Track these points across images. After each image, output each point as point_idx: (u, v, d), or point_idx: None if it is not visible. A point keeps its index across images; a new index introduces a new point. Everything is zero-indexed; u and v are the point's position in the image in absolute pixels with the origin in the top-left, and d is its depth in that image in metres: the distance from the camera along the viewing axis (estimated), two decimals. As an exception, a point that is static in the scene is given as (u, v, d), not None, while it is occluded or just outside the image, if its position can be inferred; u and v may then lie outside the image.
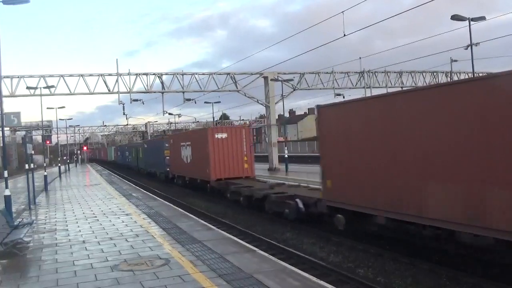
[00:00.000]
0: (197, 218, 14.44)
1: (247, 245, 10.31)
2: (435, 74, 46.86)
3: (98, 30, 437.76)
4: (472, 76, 31.60)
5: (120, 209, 17.06)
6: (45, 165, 34.02)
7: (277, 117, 45.93)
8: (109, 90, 37.17)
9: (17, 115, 15.56)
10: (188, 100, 39.59)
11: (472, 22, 25.70)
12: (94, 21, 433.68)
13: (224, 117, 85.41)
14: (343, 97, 41.17)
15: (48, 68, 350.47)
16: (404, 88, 41.18)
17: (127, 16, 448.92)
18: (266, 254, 9.38)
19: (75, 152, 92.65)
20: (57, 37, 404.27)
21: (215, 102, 48.86)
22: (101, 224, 13.69)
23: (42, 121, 37.28)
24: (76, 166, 76.78)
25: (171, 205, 18.34)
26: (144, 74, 37.89)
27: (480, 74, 46.63)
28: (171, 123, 75.23)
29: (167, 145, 34.22)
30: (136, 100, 40.40)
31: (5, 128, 18.32)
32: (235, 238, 11.12)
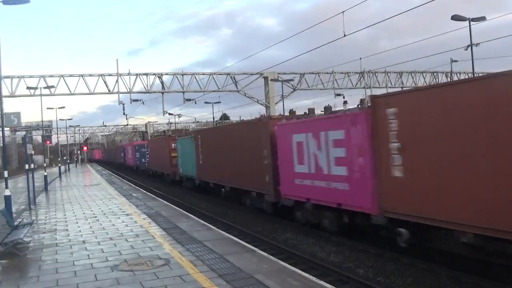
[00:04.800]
0: (197, 218, 14.44)
1: (247, 245, 10.30)
2: (435, 74, 46.90)
3: (101, 29, 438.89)
4: (472, 76, 31.61)
5: (120, 209, 17.06)
6: (45, 165, 34.00)
7: (277, 117, 45.89)
8: (109, 90, 37.21)
9: (17, 115, 15.57)
10: (188, 100, 39.63)
11: (472, 22, 25.69)
12: (97, 21, 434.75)
13: (225, 117, 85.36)
14: (343, 97, 41.24)
15: (48, 68, 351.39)
16: (404, 89, 41.27)
17: (131, 15, 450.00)
18: (266, 254, 9.38)
19: (75, 152, 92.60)
20: (58, 37, 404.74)
21: (215, 102, 48.89)
22: (101, 224, 13.69)
23: (42, 121, 37.28)
24: (76, 166, 76.79)
25: (171, 205, 18.34)
26: (144, 74, 37.93)
27: (480, 75, 46.56)
28: (171, 123, 75.26)
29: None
30: (136, 100, 40.47)
31: (5, 128, 18.31)
32: (235, 238, 11.12)
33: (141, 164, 47.30)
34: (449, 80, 46.16)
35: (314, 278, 7.62)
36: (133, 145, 54.28)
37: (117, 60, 36.86)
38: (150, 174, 41.77)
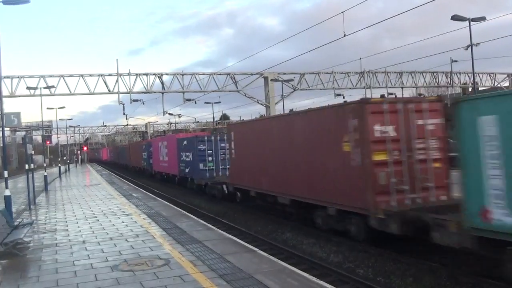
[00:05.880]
0: (197, 218, 14.44)
1: (247, 245, 10.31)
2: (435, 74, 46.88)
3: (102, 29, 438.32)
4: (472, 76, 31.68)
5: (120, 209, 17.06)
6: (45, 165, 33.98)
7: (277, 117, 45.88)
8: (109, 91, 37.19)
9: (17, 115, 15.58)
10: (188, 100, 39.61)
11: (472, 22, 25.71)
12: (98, 20, 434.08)
13: (225, 117, 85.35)
14: (343, 97, 41.20)
15: (48, 68, 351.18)
16: (404, 89, 41.32)
17: (132, 15, 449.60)
18: (266, 254, 9.38)
19: (75, 152, 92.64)
20: (58, 37, 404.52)
21: (215, 103, 48.89)
22: (101, 224, 13.69)
23: (42, 121, 37.30)
24: (76, 166, 76.77)
25: (171, 205, 18.35)
26: (144, 74, 37.91)
27: (481, 75, 46.64)
28: (171, 123, 75.25)
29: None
30: (136, 101, 40.46)
31: (5, 128, 18.32)
32: (235, 238, 11.12)
33: (194, 172, 26.09)
34: (448, 80, 46.28)
35: (314, 278, 7.62)
36: (174, 140, 31.22)
37: (117, 60, 36.87)
38: (226, 194, 21.52)
